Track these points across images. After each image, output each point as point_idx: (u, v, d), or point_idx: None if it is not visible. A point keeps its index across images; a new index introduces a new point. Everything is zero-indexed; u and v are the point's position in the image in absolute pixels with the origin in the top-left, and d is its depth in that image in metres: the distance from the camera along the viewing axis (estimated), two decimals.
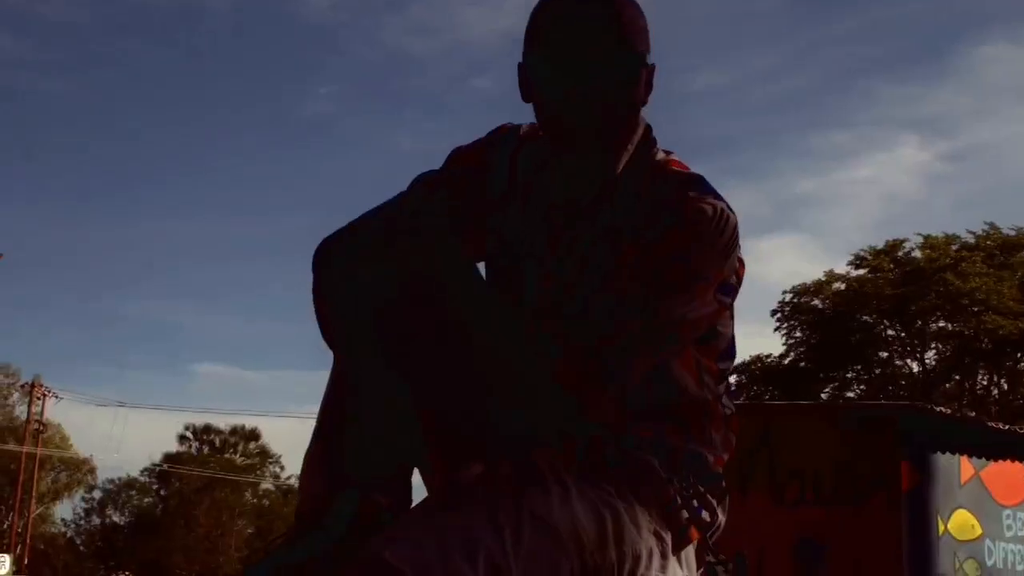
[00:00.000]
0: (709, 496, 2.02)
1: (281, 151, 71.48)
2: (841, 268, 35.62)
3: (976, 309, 32.28)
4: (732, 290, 2.02)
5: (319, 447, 1.94)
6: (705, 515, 2.00)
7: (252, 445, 59.38)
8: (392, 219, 2.02)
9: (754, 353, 36.70)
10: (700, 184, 1.96)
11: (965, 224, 46.73)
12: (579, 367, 1.87)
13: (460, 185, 2.14)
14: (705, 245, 1.90)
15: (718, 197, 1.94)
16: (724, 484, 2.06)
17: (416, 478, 2.04)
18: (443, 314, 1.95)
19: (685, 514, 1.96)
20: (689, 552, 1.99)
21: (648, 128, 2.08)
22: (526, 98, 2.05)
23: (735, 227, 1.94)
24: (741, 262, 2.02)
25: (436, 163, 2.17)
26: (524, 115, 2.10)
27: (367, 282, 1.95)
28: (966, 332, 32.87)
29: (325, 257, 2.02)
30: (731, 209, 1.95)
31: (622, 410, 1.98)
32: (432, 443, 2.01)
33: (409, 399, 1.95)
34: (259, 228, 74.31)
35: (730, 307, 2.05)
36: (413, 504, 1.93)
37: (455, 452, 1.98)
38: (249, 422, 59.45)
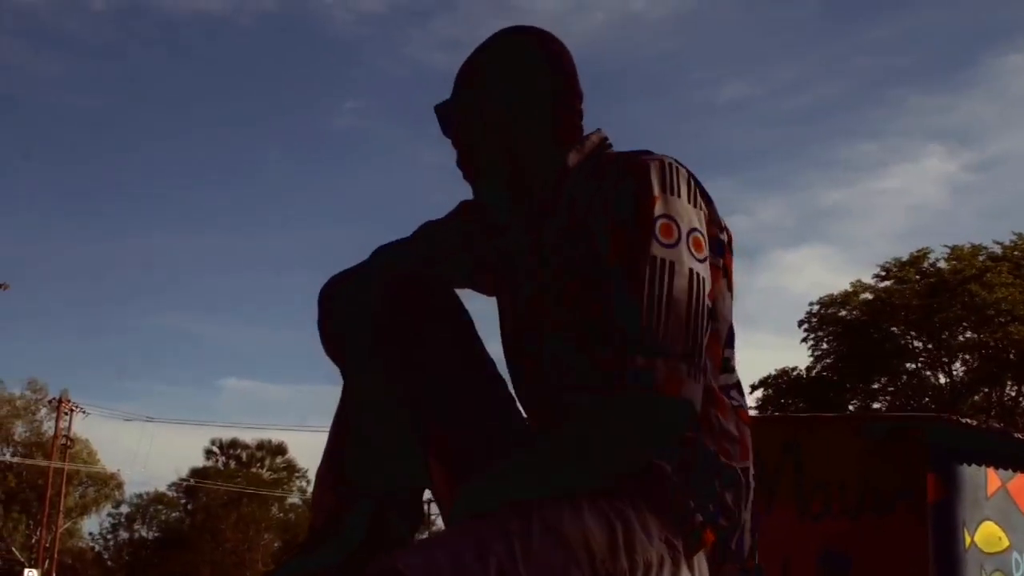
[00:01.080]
0: (727, 496, 2.00)
1: (308, 165, 71.77)
2: (868, 279, 35.56)
3: (1002, 320, 32.14)
4: (723, 249, 2.06)
5: (331, 463, 1.96)
6: (722, 521, 1.98)
7: (279, 459, 59.53)
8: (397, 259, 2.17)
9: (780, 366, 36.65)
10: (645, 151, 2.04)
11: (991, 234, 46.67)
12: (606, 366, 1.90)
13: (469, 218, 2.28)
14: (673, 199, 1.95)
15: (667, 157, 2.01)
16: (744, 480, 2.04)
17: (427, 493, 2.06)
18: (447, 328, 2.03)
19: (699, 518, 1.94)
20: (701, 559, 1.97)
21: (605, 139, 2.18)
22: (446, 133, 2.22)
23: (689, 173, 2.01)
24: (722, 225, 2.07)
25: (457, 177, 2.25)
26: None
27: (369, 302, 2.04)
28: (992, 343, 32.72)
29: (329, 291, 2.12)
30: (680, 163, 2.01)
31: None
32: (440, 456, 2.04)
33: (417, 414, 1.97)
34: (285, 241, 74.45)
35: (726, 276, 2.07)
36: (423, 514, 1.95)
37: (462, 464, 2.00)
38: (275, 436, 59.68)
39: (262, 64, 73.65)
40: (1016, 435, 12.42)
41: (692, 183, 2.00)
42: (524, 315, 2.13)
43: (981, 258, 33.69)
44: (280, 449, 59.14)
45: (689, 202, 1.96)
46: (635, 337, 1.85)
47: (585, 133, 2.19)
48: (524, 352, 2.14)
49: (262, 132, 74.97)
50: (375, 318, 2.01)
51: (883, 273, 35.01)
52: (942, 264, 34.03)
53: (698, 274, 1.92)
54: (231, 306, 78.36)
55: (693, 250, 1.93)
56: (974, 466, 11.04)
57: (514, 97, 2.12)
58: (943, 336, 34.05)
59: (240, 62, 73.38)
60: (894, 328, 34.38)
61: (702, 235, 1.96)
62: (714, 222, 2.03)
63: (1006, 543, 11.23)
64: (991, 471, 11.24)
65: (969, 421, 12.48)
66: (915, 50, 58.55)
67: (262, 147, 73.29)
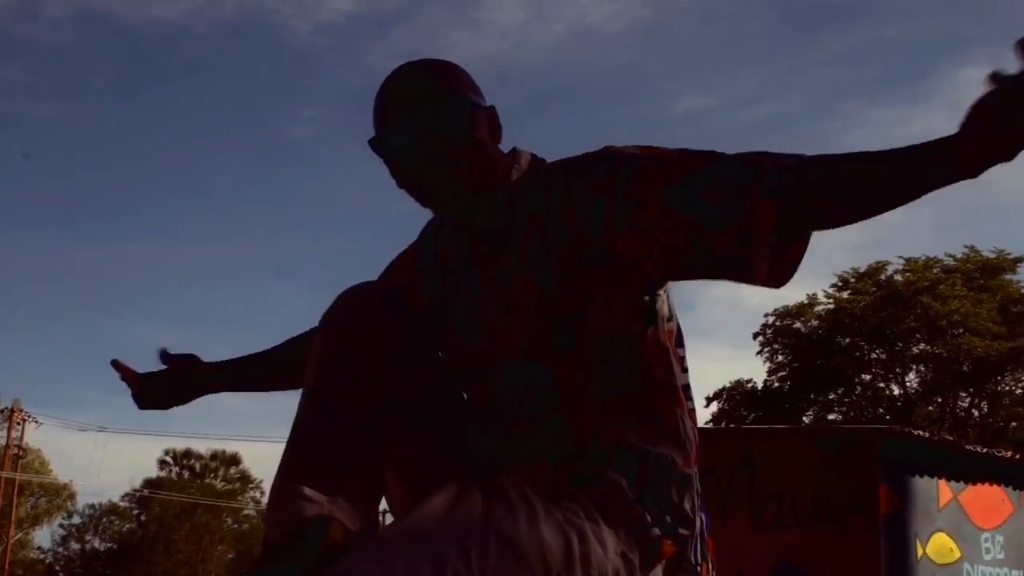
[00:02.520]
0: (685, 505, 2.02)
1: (266, 174, 71.41)
2: (824, 291, 35.74)
3: (955, 331, 32.38)
4: None
5: (288, 475, 1.94)
6: (681, 530, 2.01)
7: (233, 470, 59.24)
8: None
9: (735, 378, 36.77)
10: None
11: (946, 247, 46.96)
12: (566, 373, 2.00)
13: (395, 276, 2.37)
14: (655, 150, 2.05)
15: None
16: (696, 484, 2.07)
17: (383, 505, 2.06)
18: (409, 341, 2.03)
19: (656, 531, 1.96)
20: (657, 570, 1.98)
21: (533, 155, 2.21)
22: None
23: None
24: None
25: None
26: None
27: (334, 317, 2.03)
28: (945, 354, 32.95)
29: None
30: None
31: (597, 413, 2.02)
32: (398, 468, 2.05)
33: (375, 427, 1.97)
34: (242, 250, 74.17)
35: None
36: (378, 525, 1.95)
37: (422, 477, 2.01)
38: (231, 447, 59.36)
39: (219, 73, 73.37)
40: (968, 447, 12.53)
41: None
42: (474, 343, 2.13)
43: (935, 270, 33.91)
44: (234, 459, 58.91)
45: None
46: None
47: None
48: (473, 382, 2.15)
49: (219, 141, 74.68)
50: (338, 329, 2.01)
51: (839, 284, 35.19)
52: (898, 277, 34.25)
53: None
54: (187, 315, 77.90)
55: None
56: (926, 478, 11.12)
57: (438, 127, 2.11)
58: (897, 347, 34.25)
59: (197, 70, 73.05)
60: (849, 340, 34.55)
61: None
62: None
63: (957, 554, 11.30)
64: (943, 483, 11.32)
65: (921, 433, 12.58)
66: (872, 62, 58.96)
67: (219, 156, 72.99)
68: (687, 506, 2.02)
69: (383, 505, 2.09)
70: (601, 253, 2.03)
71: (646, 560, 1.94)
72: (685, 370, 2.14)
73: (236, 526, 59.37)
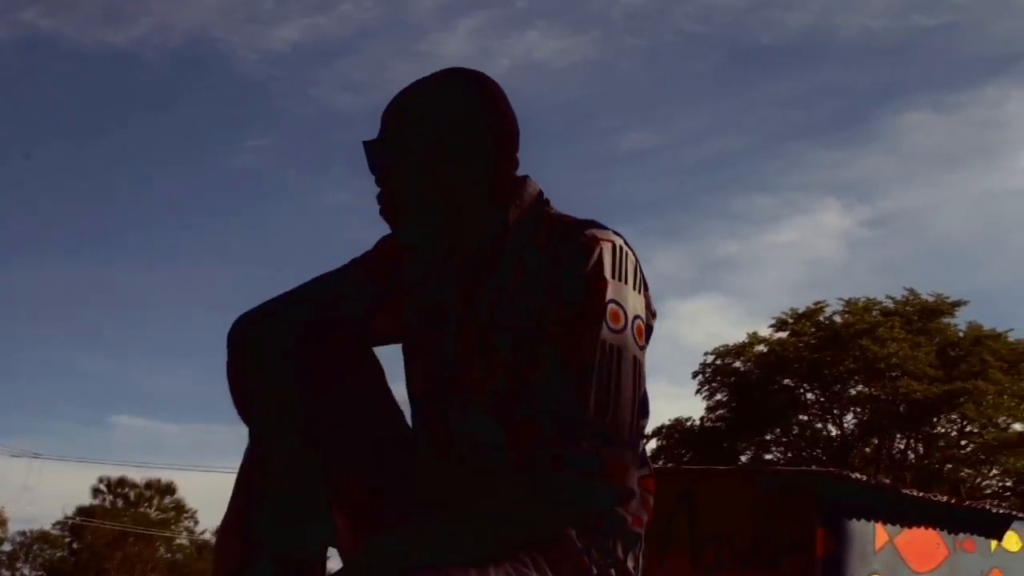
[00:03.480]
0: (628, 562, 2.03)
1: (207, 202, 71.01)
2: (764, 331, 35.91)
3: (893, 374, 32.62)
4: (649, 332, 2.06)
5: (235, 516, 1.94)
6: None
7: (167, 499, 58.71)
8: (312, 304, 2.11)
9: (674, 416, 36.84)
10: (595, 223, 2.02)
11: (886, 289, 47.33)
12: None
13: (381, 269, 2.24)
14: (622, 285, 1.96)
15: (617, 234, 2.01)
16: (641, 543, 2.08)
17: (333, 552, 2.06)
18: (357, 378, 2.03)
19: None
20: None
21: (540, 191, 2.15)
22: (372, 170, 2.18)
23: (636, 258, 2.02)
24: (653, 311, 2.08)
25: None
26: None
27: (279, 348, 2.01)
28: (883, 396, 33.18)
29: (240, 339, 2.06)
30: (630, 246, 2.02)
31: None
32: (341, 508, 2.04)
33: (324, 473, 1.96)
34: (181, 279, 73.66)
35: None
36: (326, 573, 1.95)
37: (371, 518, 2.00)
38: (166, 475, 58.85)
39: (164, 99, 72.97)
40: (904, 491, 12.61)
41: (638, 268, 2.02)
42: (445, 374, 2.11)
43: (874, 313, 34.18)
44: (169, 489, 58.39)
45: (635, 289, 1.99)
46: (578, 421, 1.86)
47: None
48: (434, 413, 2.13)
49: (162, 166, 74.14)
50: (283, 366, 1.99)
51: (778, 324, 35.37)
52: (837, 318, 34.49)
53: (640, 362, 1.96)
54: (124, 342, 77.25)
55: (636, 337, 1.96)
56: (863, 521, 11.19)
57: (451, 140, 2.08)
58: (835, 388, 34.46)
59: (143, 97, 72.61)
60: (788, 380, 34.73)
61: (643, 322, 1.99)
62: (648, 307, 2.04)
63: None
64: (879, 526, 11.40)
65: (859, 476, 12.64)
66: (815, 105, 59.55)
67: (161, 182, 72.45)
68: (630, 564, 2.04)
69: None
70: (544, 341, 1.97)
71: None
72: (643, 438, 2.12)
73: (169, 555, 58.79)
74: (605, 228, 2.01)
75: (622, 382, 1.91)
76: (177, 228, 73.53)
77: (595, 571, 1.97)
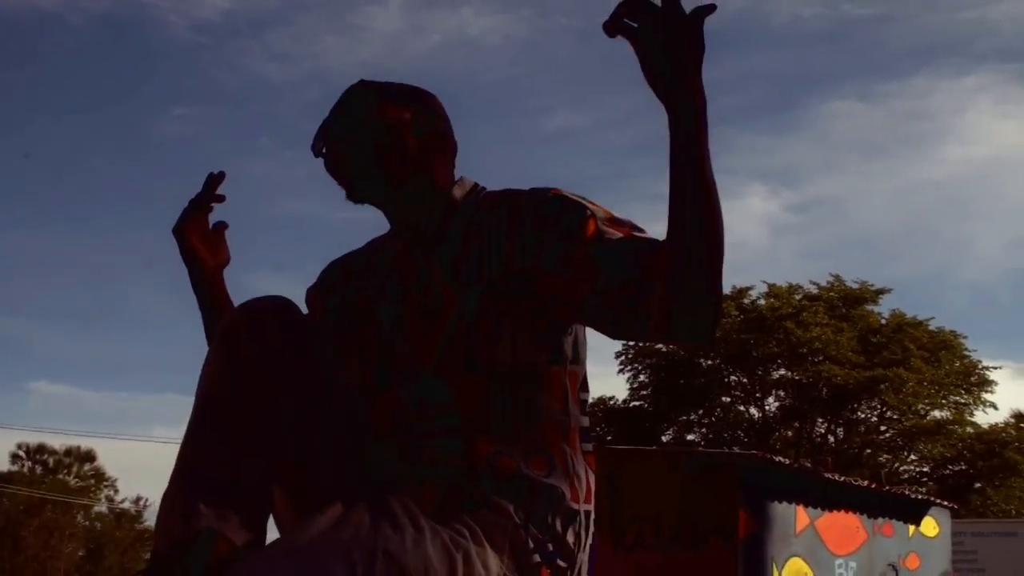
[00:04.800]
0: (568, 537, 2.05)
1: (133, 168, 70.16)
2: None
3: (816, 359, 32.96)
4: None
5: (178, 487, 1.92)
6: (560, 562, 2.03)
7: (87, 467, 58.22)
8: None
9: (597, 395, 37.02)
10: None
11: (809, 275, 47.85)
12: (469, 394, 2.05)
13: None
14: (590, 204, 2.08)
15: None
16: (585, 522, 2.10)
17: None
18: (304, 361, 2.05)
19: (537, 558, 1.99)
20: None
21: (476, 183, 2.25)
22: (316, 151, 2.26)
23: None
24: None
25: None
26: None
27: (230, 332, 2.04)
28: (805, 381, 33.52)
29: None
30: None
31: (492, 440, 2.04)
32: (288, 485, 2.05)
33: (266, 442, 1.96)
34: (103, 244, 72.86)
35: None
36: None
37: (312, 494, 2.02)
38: (85, 443, 58.28)
39: (91, 64, 72.10)
40: (826, 475, 12.75)
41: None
42: (386, 354, 2.16)
43: (798, 297, 34.50)
44: (89, 456, 57.86)
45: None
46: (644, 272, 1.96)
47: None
48: (379, 388, 2.16)
49: (87, 132, 73.27)
50: (233, 344, 2.01)
51: None
52: (761, 301, 34.76)
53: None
54: (44, 308, 76.40)
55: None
56: (785, 503, 11.31)
57: (387, 133, 2.18)
58: (758, 372, 34.77)
59: (68, 60, 71.72)
60: (711, 362, 35.00)
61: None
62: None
63: None
64: (801, 509, 11.53)
65: (782, 460, 12.77)
66: (742, 91, 59.57)
67: (84, 147, 71.53)
68: (569, 539, 2.05)
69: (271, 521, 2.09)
70: (525, 285, 2.05)
71: None
72: (585, 414, 2.16)
73: (87, 523, 58.34)
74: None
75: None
76: (100, 192, 72.74)
77: (531, 545, 1.99)
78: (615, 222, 2.04)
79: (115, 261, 72.22)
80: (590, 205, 2.05)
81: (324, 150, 2.22)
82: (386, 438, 2.12)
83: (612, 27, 1.85)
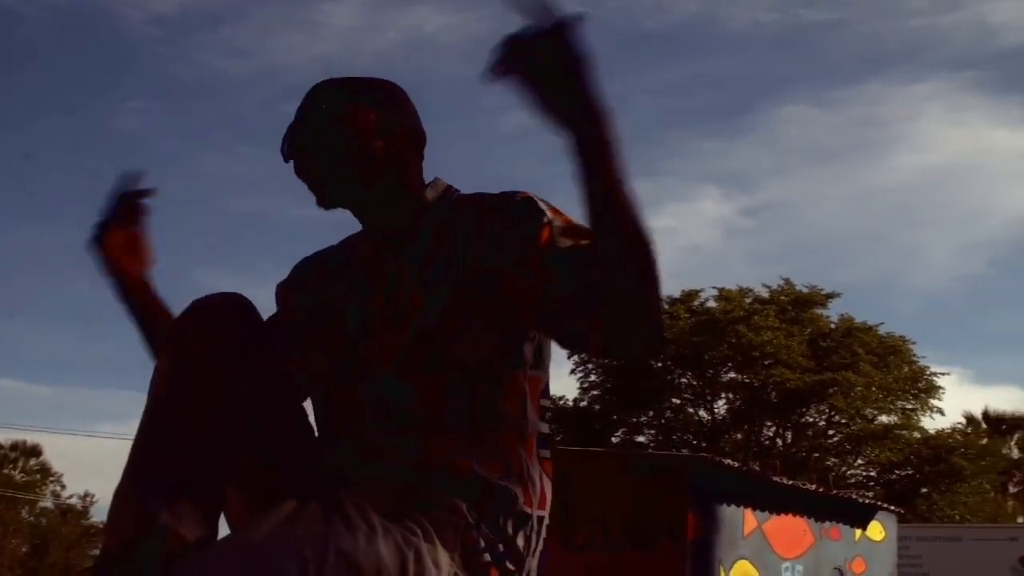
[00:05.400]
0: (518, 540, 2.06)
1: (86, 161, 69.55)
2: None
3: (766, 362, 33.12)
4: None
5: (130, 486, 1.91)
6: (509, 564, 2.04)
7: (33, 461, 57.78)
8: None
9: None
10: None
11: (761, 278, 47.96)
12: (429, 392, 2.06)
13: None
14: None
15: None
16: (536, 527, 2.11)
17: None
18: (260, 358, 2.06)
19: (487, 557, 2.00)
20: None
21: (449, 184, 2.26)
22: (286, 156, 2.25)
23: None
24: None
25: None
26: None
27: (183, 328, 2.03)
28: (756, 384, 33.69)
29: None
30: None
31: (448, 441, 2.05)
32: (240, 482, 2.05)
33: (219, 439, 1.96)
34: (52, 238, 72.19)
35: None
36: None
37: (264, 491, 2.02)
38: (32, 438, 57.82)
39: (43, 55, 71.44)
40: (774, 479, 12.82)
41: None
42: (351, 351, 2.16)
43: (749, 300, 34.66)
44: (35, 451, 57.42)
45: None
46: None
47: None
48: (343, 389, 2.17)
49: (39, 124, 72.61)
50: (186, 340, 2.00)
51: None
52: (712, 304, 34.91)
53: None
54: None
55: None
56: (733, 506, 11.36)
57: (355, 136, 2.18)
58: (709, 374, 34.91)
59: (20, 51, 71.10)
60: (662, 364, 35.10)
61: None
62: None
63: None
64: (749, 512, 11.59)
65: (731, 463, 12.83)
66: (697, 94, 59.85)
67: (36, 137, 70.90)
68: (519, 542, 2.06)
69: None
70: (491, 287, 2.06)
71: None
72: (545, 420, 2.18)
73: (32, 519, 57.88)
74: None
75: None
76: (51, 185, 72.10)
77: (483, 545, 2.00)
78: (575, 232, 2.03)
79: (64, 256, 71.51)
80: (550, 212, 2.06)
81: (292, 154, 2.21)
82: (345, 435, 2.13)
83: (497, 72, 1.85)
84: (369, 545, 1.84)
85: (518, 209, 2.07)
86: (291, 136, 2.20)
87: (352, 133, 2.17)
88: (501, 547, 2.02)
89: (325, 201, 2.20)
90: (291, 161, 2.21)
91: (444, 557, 1.93)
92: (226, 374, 1.98)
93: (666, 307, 33.94)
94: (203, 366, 1.97)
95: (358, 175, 2.17)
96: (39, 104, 69.54)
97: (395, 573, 1.84)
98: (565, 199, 2.10)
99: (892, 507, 15.82)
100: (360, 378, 2.13)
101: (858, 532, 13.90)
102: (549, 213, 2.05)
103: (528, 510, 2.08)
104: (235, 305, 2.07)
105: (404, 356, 2.09)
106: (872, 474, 35.59)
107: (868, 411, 34.21)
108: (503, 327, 2.09)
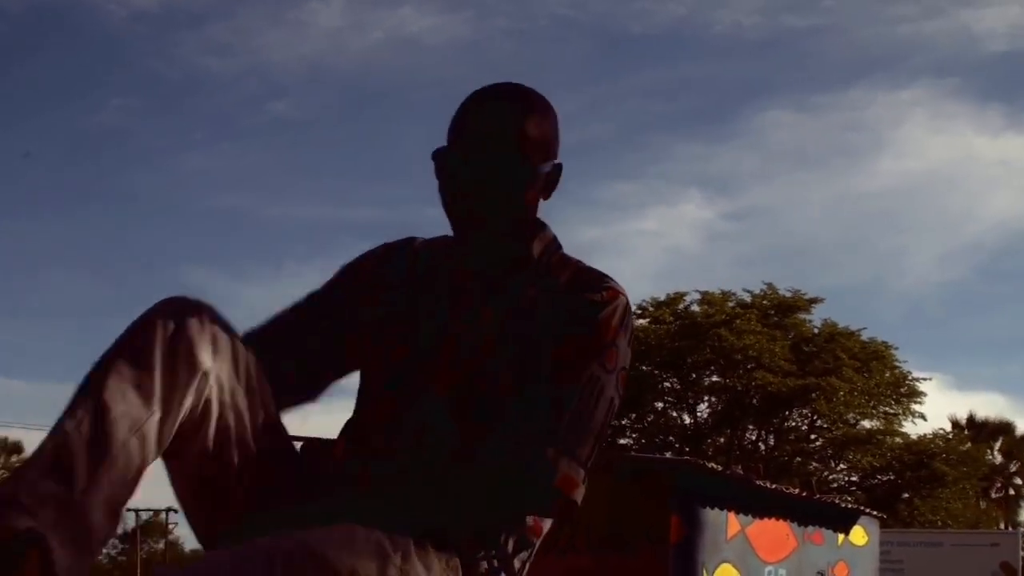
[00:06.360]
0: (515, 562, 2.07)
1: (69, 159, 69.32)
2: None
3: (749, 366, 33.18)
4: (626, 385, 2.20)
5: (17, 473, 1.80)
6: None
7: (14, 458, 57.62)
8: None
9: None
10: (608, 277, 2.16)
11: (744, 282, 48.15)
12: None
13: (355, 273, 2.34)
14: (623, 336, 2.09)
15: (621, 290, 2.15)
16: (532, 555, 2.13)
17: None
18: (232, 361, 2.02)
19: (484, 566, 2.00)
20: None
21: (555, 236, 2.25)
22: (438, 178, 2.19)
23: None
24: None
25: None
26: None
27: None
28: (738, 387, 33.74)
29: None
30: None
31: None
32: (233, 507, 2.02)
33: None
34: (33, 234, 71.97)
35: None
36: None
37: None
38: (13, 434, 57.69)
39: (25, 52, 71.23)
40: (758, 483, 12.82)
41: (633, 327, 2.17)
42: (413, 364, 2.14)
43: (731, 304, 34.72)
44: (16, 447, 57.28)
45: (629, 345, 2.12)
46: (552, 431, 1.99)
47: None
48: (389, 397, 2.16)
49: (17, 118, 72.32)
50: (154, 341, 1.91)
51: (639, 312, 35.76)
52: (695, 308, 34.96)
53: (615, 406, 2.09)
54: None
55: (620, 384, 2.09)
56: (716, 510, 11.35)
57: (500, 182, 2.12)
58: (691, 378, 34.97)
59: (1, 49, 70.91)
60: (645, 367, 35.13)
61: (626, 374, 2.12)
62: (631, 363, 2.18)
63: None
64: (732, 515, 11.58)
65: (714, 466, 12.84)
66: (681, 98, 59.96)
67: (15, 134, 70.62)
68: (516, 564, 2.07)
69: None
70: (545, 361, 2.06)
71: None
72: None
73: None
74: (613, 280, 2.16)
75: (596, 415, 2.03)
76: (31, 182, 71.84)
77: (484, 567, 2.00)
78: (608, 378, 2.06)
79: (41, 251, 71.33)
80: (615, 341, 2.08)
81: (465, 176, 2.14)
82: (370, 445, 2.13)
83: None
84: (344, 545, 1.81)
85: (588, 309, 2.09)
86: (472, 148, 2.14)
87: (528, 171, 2.15)
88: (496, 561, 2.03)
89: (483, 224, 2.15)
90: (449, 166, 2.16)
91: (437, 563, 1.91)
92: (199, 374, 1.93)
93: (651, 310, 34.15)
94: (174, 365, 1.91)
95: (522, 208, 2.17)
96: (22, 101, 69.39)
97: (375, 572, 1.81)
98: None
99: (875, 512, 15.85)
100: (408, 394, 2.12)
101: (841, 536, 13.90)
102: (601, 335, 2.07)
103: (533, 539, 2.11)
104: (197, 305, 2.01)
105: (457, 393, 2.08)
106: (854, 479, 35.71)
107: (850, 416, 34.34)
108: None
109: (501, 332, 2.10)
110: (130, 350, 1.89)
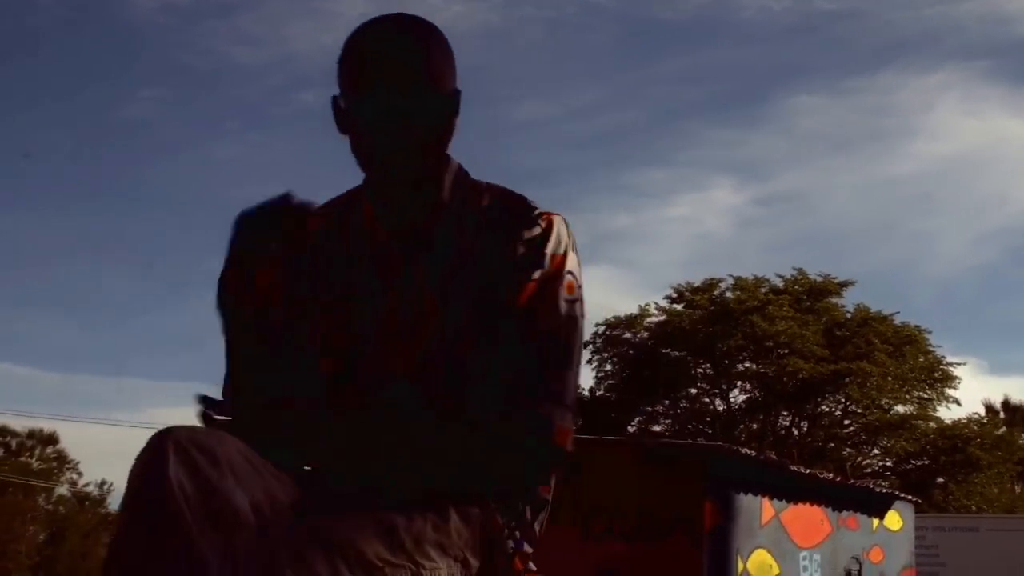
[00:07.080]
0: (536, 525, 2.06)
1: (98, 150, 69.54)
2: (656, 303, 36.18)
3: (781, 352, 33.09)
4: None
5: None
6: (527, 547, 2.02)
7: (50, 449, 57.89)
8: None
9: None
10: (523, 196, 2.09)
11: (774, 267, 47.96)
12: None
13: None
14: (572, 258, 2.04)
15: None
16: (547, 512, 2.11)
17: None
18: None
19: (511, 544, 1.98)
20: None
21: (460, 164, 2.12)
22: (342, 130, 2.06)
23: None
24: None
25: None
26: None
27: None
28: (770, 373, 33.65)
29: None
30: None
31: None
32: None
33: None
34: (65, 226, 72.26)
35: None
36: None
37: None
38: (49, 425, 57.94)
39: (56, 44, 71.47)
40: (792, 468, 12.79)
41: (575, 236, 2.08)
42: (356, 351, 2.06)
43: (764, 291, 34.62)
44: (52, 439, 57.53)
45: (578, 256, 2.07)
46: (536, 386, 1.95)
47: None
48: (342, 388, 2.07)
49: (52, 113, 72.61)
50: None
51: (675, 296, 35.70)
52: (728, 294, 34.86)
53: (582, 328, 2.05)
54: (10, 295, 75.73)
55: (582, 307, 2.05)
56: (750, 496, 11.33)
57: (423, 119, 2.00)
58: (724, 363, 34.88)
59: (33, 40, 71.14)
60: (678, 353, 35.07)
61: (581, 288, 2.07)
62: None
63: (776, 571, 11.56)
64: (766, 501, 11.56)
65: (748, 452, 12.80)
66: (711, 84, 59.79)
67: (49, 126, 70.90)
68: (536, 528, 2.06)
69: None
70: (505, 309, 1.99)
71: (495, 571, 1.96)
72: None
73: (50, 507, 58.04)
74: (529, 199, 2.08)
75: (573, 349, 2.01)
76: (64, 175, 72.07)
77: (507, 531, 1.98)
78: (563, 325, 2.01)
79: (77, 245, 71.64)
80: (570, 267, 2.04)
81: (388, 116, 1.99)
82: (346, 431, 1.99)
83: None
84: (356, 528, 1.76)
85: (531, 246, 2.01)
86: (388, 94, 1.98)
87: (444, 101, 2.03)
88: (518, 534, 2.01)
89: (404, 175, 2.03)
90: (364, 112, 2.01)
91: (460, 536, 1.89)
92: None
93: (687, 295, 34.07)
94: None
95: (433, 152, 2.05)
96: (52, 92, 69.63)
97: (384, 548, 1.76)
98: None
99: (909, 496, 15.80)
100: (368, 378, 2.05)
101: (875, 521, 13.88)
102: (555, 268, 2.01)
103: (546, 496, 2.09)
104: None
105: (419, 366, 2.01)
106: (888, 464, 35.54)
107: (884, 401, 34.18)
108: None
109: (443, 290, 2.00)
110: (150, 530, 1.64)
